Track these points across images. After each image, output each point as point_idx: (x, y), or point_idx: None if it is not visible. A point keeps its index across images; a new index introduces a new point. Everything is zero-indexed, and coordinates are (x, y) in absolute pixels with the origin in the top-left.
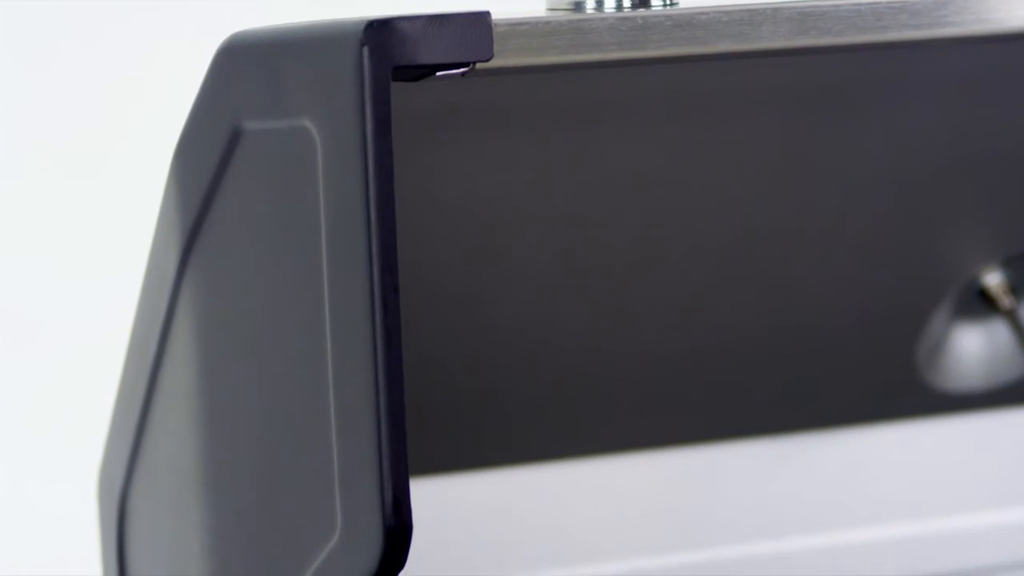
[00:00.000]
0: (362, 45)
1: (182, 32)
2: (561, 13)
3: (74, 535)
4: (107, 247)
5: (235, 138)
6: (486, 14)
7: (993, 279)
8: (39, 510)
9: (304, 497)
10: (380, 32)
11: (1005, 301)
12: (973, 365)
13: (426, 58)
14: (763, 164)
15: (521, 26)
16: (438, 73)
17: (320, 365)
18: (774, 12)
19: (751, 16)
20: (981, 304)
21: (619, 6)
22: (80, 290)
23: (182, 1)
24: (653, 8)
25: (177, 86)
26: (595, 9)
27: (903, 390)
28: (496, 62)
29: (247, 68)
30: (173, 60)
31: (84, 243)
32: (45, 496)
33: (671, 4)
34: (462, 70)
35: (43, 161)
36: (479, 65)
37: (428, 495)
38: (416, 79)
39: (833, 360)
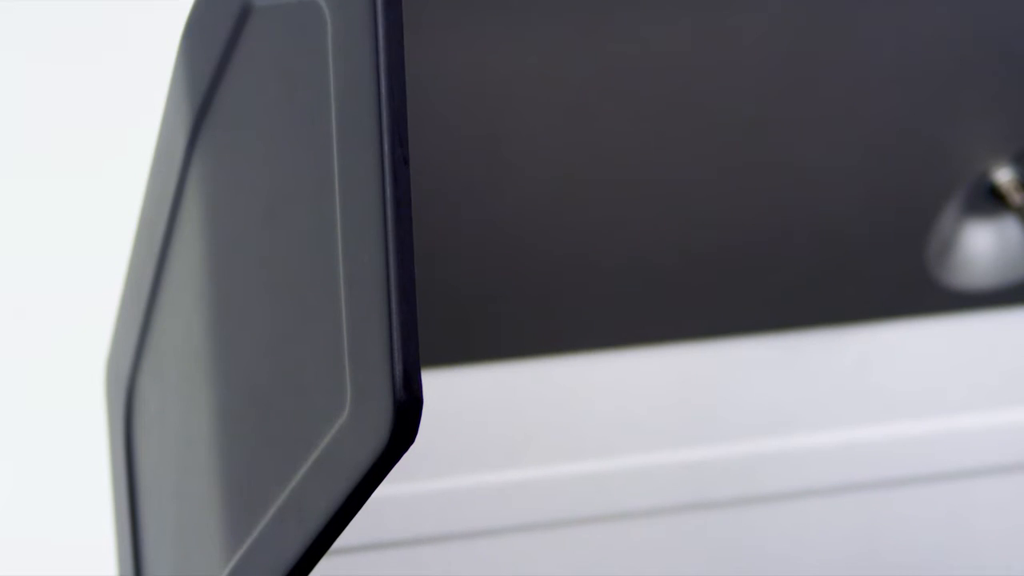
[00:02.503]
0: None
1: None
2: None
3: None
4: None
5: (244, 14)
6: None
7: (1004, 176)
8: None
9: (314, 374)
10: None
11: (1016, 198)
12: (983, 263)
13: None
14: (774, 56)
15: None
16: None
17: (330, 239)
18: None
19: None
20: (991, 201)
21: None
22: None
23: None
24: None
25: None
26: None
27: (913, 288)
28: None
29: None
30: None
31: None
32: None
33: None
34: None
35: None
36: None
37: (435, 387)
38: None
39: (843, 257)
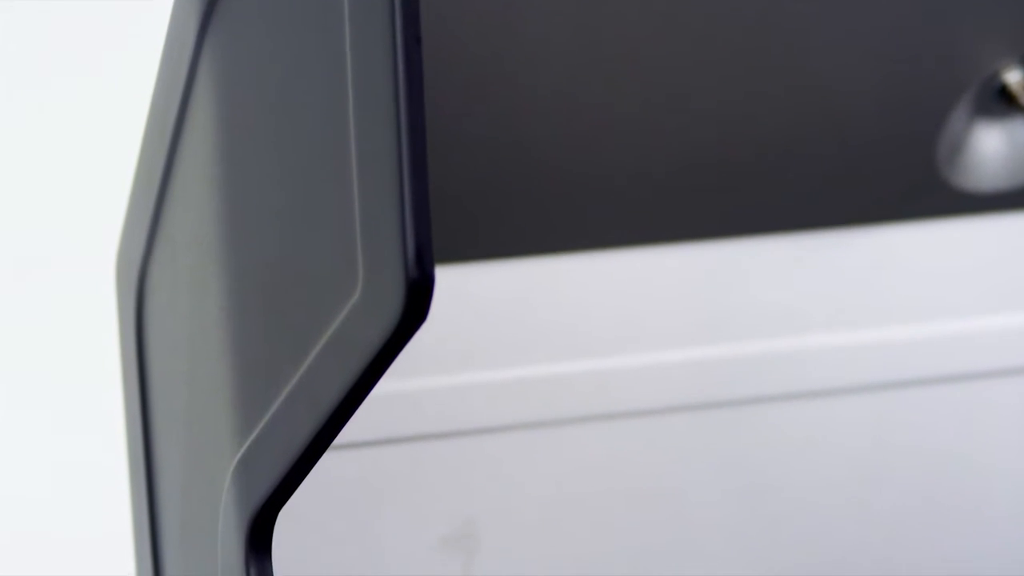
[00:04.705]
0: None
1: None
2: None
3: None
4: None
5: None
6: None
7: (1014, 77)
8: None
9: (325, 255)
10: None
11: None
12: (993, 164)
13: None
14: None
15: None
16: None
17: (342, 118)
18: None
19: None
20: (1001, 102)
21: None
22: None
23: None
24: None
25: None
26: None
27: (923, 189)
28: None
29: None
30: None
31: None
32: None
33: None
34: None
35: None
36: None
37: (441, 284)
38: None
39: (852, 159)
